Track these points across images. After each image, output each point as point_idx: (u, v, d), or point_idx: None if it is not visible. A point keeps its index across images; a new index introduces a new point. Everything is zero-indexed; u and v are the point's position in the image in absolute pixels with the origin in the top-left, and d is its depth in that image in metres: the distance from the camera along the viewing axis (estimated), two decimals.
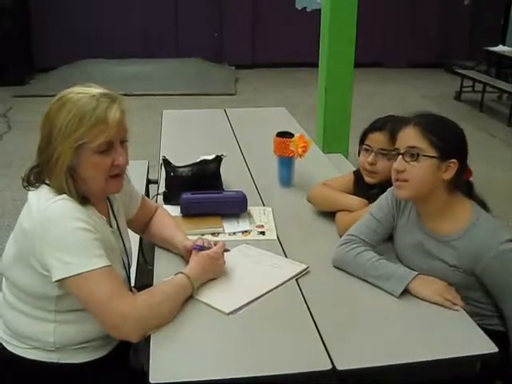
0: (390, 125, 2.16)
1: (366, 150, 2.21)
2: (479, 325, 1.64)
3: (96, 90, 1.62)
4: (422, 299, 1.72)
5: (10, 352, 1.68)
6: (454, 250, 1.80)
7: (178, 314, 1.62)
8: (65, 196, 1.57)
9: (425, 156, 1.75)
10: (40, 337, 1.63)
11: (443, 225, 1.84)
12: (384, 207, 1.99)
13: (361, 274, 1.85)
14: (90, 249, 1.53)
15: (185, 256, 1.90)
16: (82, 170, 1.59)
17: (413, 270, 1.84)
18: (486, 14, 10.37)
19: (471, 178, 1.92)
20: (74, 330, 1.64)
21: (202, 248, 1.83)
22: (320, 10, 4.95)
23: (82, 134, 1.54)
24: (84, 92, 1.59)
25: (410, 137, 1.78)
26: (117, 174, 1.65)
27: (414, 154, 1.76)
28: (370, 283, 1.82)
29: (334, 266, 1.93)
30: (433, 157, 1.75)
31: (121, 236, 1.81)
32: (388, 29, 10.65)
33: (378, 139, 2.17)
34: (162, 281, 1.72)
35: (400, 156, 1.79)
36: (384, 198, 2.01)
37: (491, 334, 1.59)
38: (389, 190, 2.00)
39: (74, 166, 1.58)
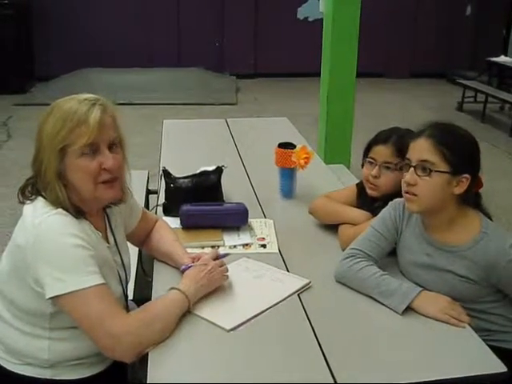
0: (394, 138, 2.14)
1: (370, 162, 2.18)
2: (486, 340, 1.61)
3: (85, 96, 1.59)
4: (426, 316, 1.69)
5: (4, 368, 1.64)
6: (465, 261, 1.78)
7: (175, 330, 1.58)
8: (60, 210, 1.54)
9: (437, 171, 1.72)
10: (34, 353, 1.60)
11: (451, 236, 1.82)
12: (387, 220, 1.96)
13: (363, 290, 1.81)
14: (83, 266, 1.49)
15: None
16: (70, 176, 1.56)
17: (418, 283, 1.82)
18: (488, 24, 10.38)
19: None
20: (68, 347, 1.60)
21: (189, 267, 1.79)
22: (322, 19, 4.94)
23: (64, 136, 1.52)
24: (71, 98, 1.58)
25: (422, 149, 1.75)
26: (108, 180, 1.60)
27: (425, 169, 1.73)
28: (373, 299, 1.78)
29: (337, 281, 1.90)
30: (445, 172, 1.72)
31: (118, 251, 1.77)
32: (390, 39, 10.66)
33: (382, 152, 2.14)
34: (156, 298, 1.68)
35: (412, 169, 1.76)
36: (386, 212, 1.98)
37: (500, 352, 1.55)
38: (390, 203, 1.98)
39: (63, 172, 1.55)
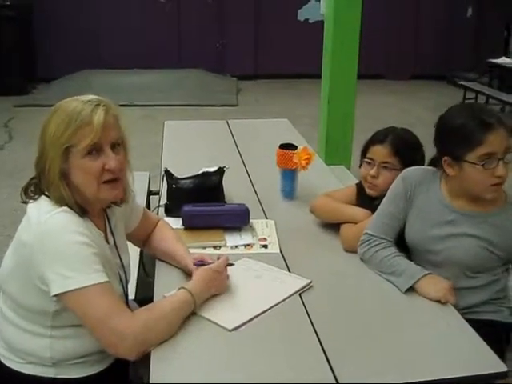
0: (391, 137, 2.16)
1: (368, 162, 2.20)
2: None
3: (88, 97, 1.61)
4: (424, 297, 1.78)
5: (7, 367, 1.65)
6: (490, 226, 1.87)
7: (178, 330, 1.59)
8: (65, 208, 1.55)
9: None
10: (36, 352, 1.61)
11: (477, 204, 1.89)
12: (397, 196, 2.00)
13: (377, 271, 1.92)
14: (89, 263, 1.50)
15: (188, 273, 1.86)
16: (73, 176, 1.57)
17: (433, 248, 1.92)
18: (488, 26, 10.38)
19: None
20: (71, 345, 1.61)
21: (202, 264, 1.80)
22: (322, 21, 4.95)
23: (68, 137, 1.52)
24: (75, 99, 1.59)
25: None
26: (110, 180, 1.61)
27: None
28: (374, 298, 1.80)
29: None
30: None
31: (118, 252, 1.77)
32: (391, 40, 10.66)
33: (380, 152, 2.16)
34: (163, 296, 1.69)
35: (501, 161, 1.80)
36: (396, 187, 2.02)
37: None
38: (399, 177, 2.03)
39: (66, 172, 1.56)
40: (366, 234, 2.00)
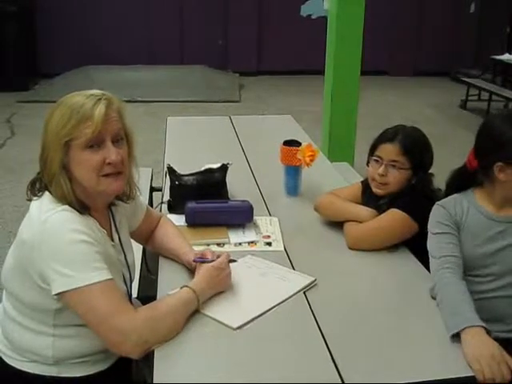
0: (400, 136, 2.13)
1: (376, 161, 2.17)
2: None
3: (91, 91, 1.60)
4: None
5: (9, 365, 1.64)
6: None
7: (182, 329, 1.57)
8: (66, 207, 1.54)
9: None
10: (39, 350, 1.59)
11: None
12: (444, 218, 1.92)
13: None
14: (90, 262, 1.49)
15: (191, 269, 1.85)
16: (74, 169, 1.56)
17: (488, 263, 1.85)
18: (492, 22, 10.35)
19: None
20: (73, 344, 1.60)
21: (203, 260, 1.79)
22: (325, 17, 4.93)
23: (69, 130, 1.52)
24: (78, 94, 1.59)
25: None
26: (111, 173, 1.59)
27: None
28: (379, 297, 1.77)
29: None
30: None
31: (122, 250, 1.76)
32: (394, 37, 10.64)
33: (388, 150, 2.14)
34: (167, 294, 1.68)
35: None
36: (439, 212, 1.94)
37: None
38: (435, 206, 1.96)
39: (67, 165, 1.55)
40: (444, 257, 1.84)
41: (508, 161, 1.80)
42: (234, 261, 1.86)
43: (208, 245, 2.07)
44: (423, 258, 1.96)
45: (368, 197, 2.28)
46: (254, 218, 2.26)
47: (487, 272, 1.87)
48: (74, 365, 1.61)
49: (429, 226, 1.95)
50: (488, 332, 1.55)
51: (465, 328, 1.55)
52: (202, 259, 1.79)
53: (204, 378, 1.43)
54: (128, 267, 1.78)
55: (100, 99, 1.56)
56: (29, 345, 1.61)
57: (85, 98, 1.56)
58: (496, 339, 1.54)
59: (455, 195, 1.97)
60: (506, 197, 1.88)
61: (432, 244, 1.90)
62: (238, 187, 2.58)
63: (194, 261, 1.80)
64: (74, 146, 1.54)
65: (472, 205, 1.92)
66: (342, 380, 1.42)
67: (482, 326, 1.55)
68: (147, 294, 1.97)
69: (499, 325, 1.80)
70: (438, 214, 1.94)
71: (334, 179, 2.82)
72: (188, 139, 3.55)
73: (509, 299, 1.84)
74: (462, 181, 1.98)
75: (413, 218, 2.03)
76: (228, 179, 2.48)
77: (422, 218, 1.98)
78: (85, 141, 1.53)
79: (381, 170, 2.14)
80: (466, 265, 1.85)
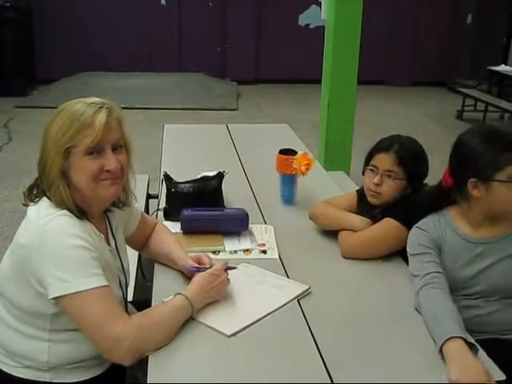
0: (396, 146, 2.14)
1: (372, 170, 2.18)
2: None
3: (92, 99, 1.61)
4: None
5: (2, 371, 1.64)
6: None
7: (176, 335, 1.58)
8: (64, 212, 1.55)
9: None
10: (34, 356, 1.60)
11: (499, 226, 1.89)
12: (426, 241, 1.92)
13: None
14: (87, 267, 1.50)
15: (187, 274, 1.86)
16: (73, 175, 1.57)
17: (472, 284, 1.87)
18: (488, 33, 10.40)
19: None
20: (68, 350, 1.60)
21: (198, 270, 1.79)
22: (323, 26, 4.95)
23: (70, 137, 1.54)
24: (79, 101, 1.60)
25: None
26: (109, 178, 1.61)
27: None
28: (371, 304, 1.78)
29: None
30: None
31: (118, 255, 1.77)
32: (391, 47, 10.69)
33: (384, 160, 2.15)
34: (161, 302, 1.68)
35: None
36: (420, 235, 1.94)
37: None
38: (413, 230, 1.97)
39: (66, 171, 1.57)
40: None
41: (480, 176, 1.81)
42: (234, 268, 1.86)
43: (203, 252, 2.08)
44: None
45: (363, 206, 2.28)
46: (250, 225, 2.27)
47: (472, 291, 1.88)
48: (68, 370, 1.62)
49: (408, 249, 1.95)
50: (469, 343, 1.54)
51: (448, 339, 1.53)
52: (197, 268, 1.80)
53: None
54: (124, 272, 1.79)
55: (101, 107, 1.58)
56: (24, 350, 1.61)
57: (86, 105, 1.57)
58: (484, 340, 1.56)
59: (432, 216, 1.98)
60: (481, 215, 1.88)
61: (415, 264, 1.90)
62: (233, 195, 2.59)
63: (189, 271, 1.81)
64: (74, 152, 1.55)
65: (448, 226, 1.93)
66: None
67: (462, 338, 1.53)
68: (142, 299, 1.98)
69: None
70: (419, 237, 1.95)
71: (330, 188, 2.82)
72: (185, 147, 3.56)
73: (504, 311, 1.86)
74: (438, 199, 2.00)
75: (407, 227, 2.03)
76: (224, 187, 2.49)
77: None
78: (85, 148, 1.55)
79: (376, 179, 2.15)
80: (451, 286, 1.82)
